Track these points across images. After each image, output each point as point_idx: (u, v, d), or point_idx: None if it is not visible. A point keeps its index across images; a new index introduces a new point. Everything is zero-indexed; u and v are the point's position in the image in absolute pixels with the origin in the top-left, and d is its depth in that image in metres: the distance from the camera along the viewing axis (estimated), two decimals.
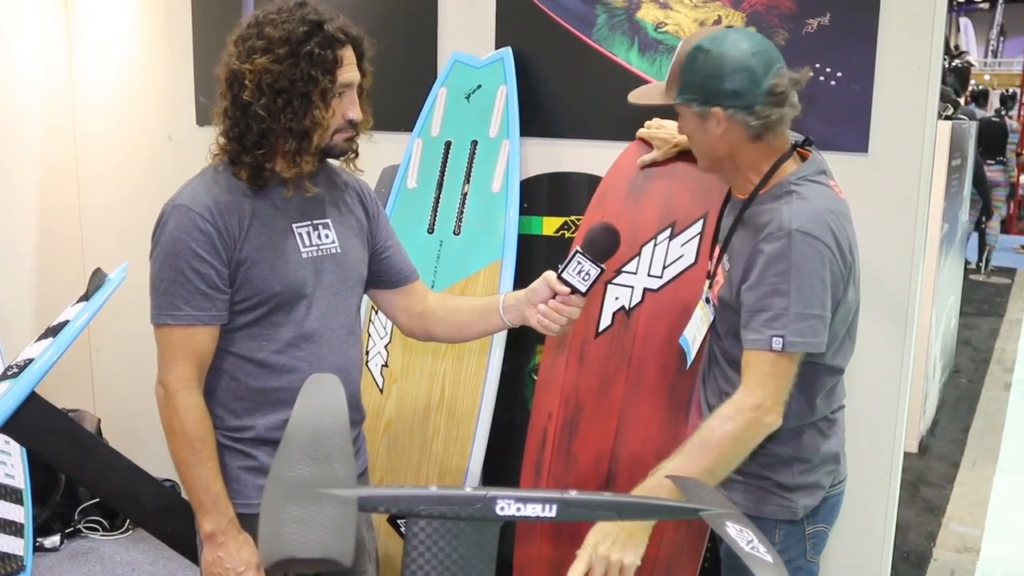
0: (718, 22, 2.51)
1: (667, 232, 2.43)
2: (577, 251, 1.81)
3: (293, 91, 1.72)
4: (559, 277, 1.83)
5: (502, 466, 2.89)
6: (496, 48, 2.83)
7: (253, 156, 1.77)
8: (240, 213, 1.78)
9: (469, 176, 2.79)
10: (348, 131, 1.83)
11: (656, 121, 2.45)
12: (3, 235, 3.64)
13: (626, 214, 2.45)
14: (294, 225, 1.84)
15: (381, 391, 2.84)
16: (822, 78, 2.40)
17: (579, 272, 1.80)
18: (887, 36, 2.34)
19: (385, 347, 2.85)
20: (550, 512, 1.13)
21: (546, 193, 2.84)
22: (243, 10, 3.30)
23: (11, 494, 2.94)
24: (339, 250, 1.90)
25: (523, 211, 2.79)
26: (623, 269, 2.46)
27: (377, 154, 3.10)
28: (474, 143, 2.80)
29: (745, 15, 2.49)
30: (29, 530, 2.92)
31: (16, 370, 2.23)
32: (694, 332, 2.08)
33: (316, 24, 1.74)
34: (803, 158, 1.87)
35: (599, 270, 1.80)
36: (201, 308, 1.75)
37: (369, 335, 2.88)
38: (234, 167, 1.80)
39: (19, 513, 2.94)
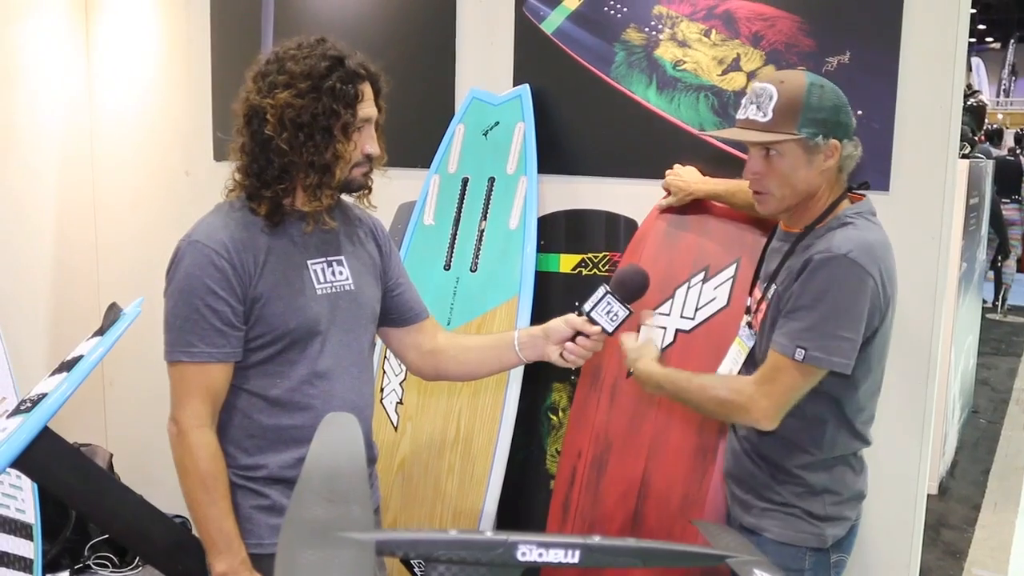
0: (737, 60, 2.51)
1: (700, 275, 2.43)
2: (608, 291, 1.82)
3: (315, 125, 1.73)
4: (588, 315, 1.83)
5: (517, 506, 2.85)
6: (514, 85, 2.83)
7: (273, 191, 1.77)
8: (256, 250, 1.76)
9: (486, 213, 2.78)
10: (365, 165, 1.84)
11: (676, 168, 2.51)
12: (19, 268, 3.65)
13: (661, 257, 2.46)
14: (309, 262, 1.83)
15: (396, 428, 2.81)
16: None
17: (608, 312, 1.81)
18: (907, 75, 2.33)
19: (400, 384, 2.82)
20: (573, 558, 1.10)
21: (563, 230, 2.83)
22: (261, 46, 3.32)
23: (21, 529, 2.92)
24: (353, 287, 1.89)
25: (540, 248, 2.78)
26: (656, 311, 2.45)
27: (394, 190, 3.09)
28: (491, 180, 2.79)
29: (764, 54, 2.48)
30: (38, 566, 2.89)
31: (29, 405, 2.21)
32: (730, 366, 2.08)
33: (337, 59, 1.76)
34: (852, 201, 1.94)
35: (627, 312, 1.81)
36: (216, 345, 1.74)
37: (384, 372, 2.86)
38: (252, 202, 1.80)
39: (29, 549, 2.91)
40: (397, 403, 2.82)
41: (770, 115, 1.85)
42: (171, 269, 1.77)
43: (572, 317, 1.87)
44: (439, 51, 2.98)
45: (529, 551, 1.09)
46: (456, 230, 2.82)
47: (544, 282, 2.78)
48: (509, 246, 2.72)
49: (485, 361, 2.04)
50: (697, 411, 2.00)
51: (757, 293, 2.01)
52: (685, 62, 2.60)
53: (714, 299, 2.40)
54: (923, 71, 2.32)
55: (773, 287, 1.92)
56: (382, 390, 2.85)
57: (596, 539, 1.10)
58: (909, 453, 2.41)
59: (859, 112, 2.36)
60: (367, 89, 1.80)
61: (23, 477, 2.88)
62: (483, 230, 2.78)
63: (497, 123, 2.79)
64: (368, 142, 1.81)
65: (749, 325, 2.02)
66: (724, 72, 2.54)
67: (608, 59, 2.71)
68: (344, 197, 1.92)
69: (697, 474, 2.33)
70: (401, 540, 1.10)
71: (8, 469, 2.30)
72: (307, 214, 1.80)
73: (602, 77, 2.71)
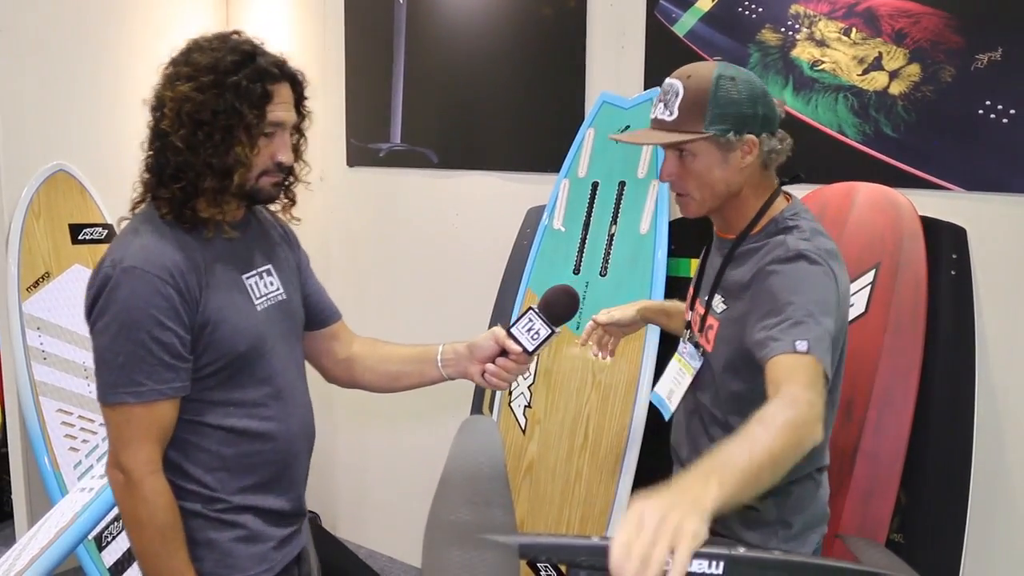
0: (879, 59, 2.43)
1: None
2: (531, 308, 1.75)
3: (215, 124, 1.58)
4: (509, 332, 1.76)
5: None
6: (645, 88, 2.81)
7: (171, 191, 1.61)
8: (197, 270, 1.61)
9: (616, 217, 2.77)
10: (276, 175, 1.69)
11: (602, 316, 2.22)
12: None
13: None
14: (244, 277, 1.71)
15: (523, 432, 2.82)
16: (993, 116, 2.28)
17: (529, 330, 1.74)
18: None
19: (528, 388, 2.83)
20: (717, 569, 1.07)
21: (694, 235, 2.78)
22: (394, 55, 3.38)
23: None
24: (284, 296, 1.78)
25: (671, 253, 2.74)
26: None
27: (523, 195, 3.12)
28: (622, 184, 2.78)
29: (908, 51, 2.39)
30: None
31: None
32: (670, 387, 1.93)
33: (248, 54, 1.62)
34: (787, 200, 1.80)
35: (550, 331, 1.74)
36: (164, 381, 1.57)
37: None
38: (155, 203, 1.63)
39: None
40: (525, 406, 2.84)
41: (676, 113, 1.72)
42: (99, 299, 1.57)
43: (498, 330, 1.79)
44: (569, 55, 2.99)
45: (671, 560, 1.07)
46: (586, 234, 2.82)
47: (675, 287, 2.74)
48: (640, 251, 2.70)
49: (405, 375, 1.92)
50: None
51: (700, 308, 1.85)
52: (823, 62, 2.53)
53: (851, 305, 2.32)
54: None
55: (718, 301, 1.77)
56: (510, 393, 2.87)
57: (741, 551, 1.08)
58: None
59: (1012, 111, 2.25)
60: (283, 91, 1.66)
61: None
62: (613, 234, 2.77)
63: (628, 127, 2.77)
64: (280, 149, 1.67)
65: (696, 344, 1.85)
66: (864, 72, 2.46)
67: (742, 60, 2.66)
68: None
69: (832, 487, 2.26)
70: (545, 544, 1.09)
71: None
72: (207, 220, 1.64)
73: None
